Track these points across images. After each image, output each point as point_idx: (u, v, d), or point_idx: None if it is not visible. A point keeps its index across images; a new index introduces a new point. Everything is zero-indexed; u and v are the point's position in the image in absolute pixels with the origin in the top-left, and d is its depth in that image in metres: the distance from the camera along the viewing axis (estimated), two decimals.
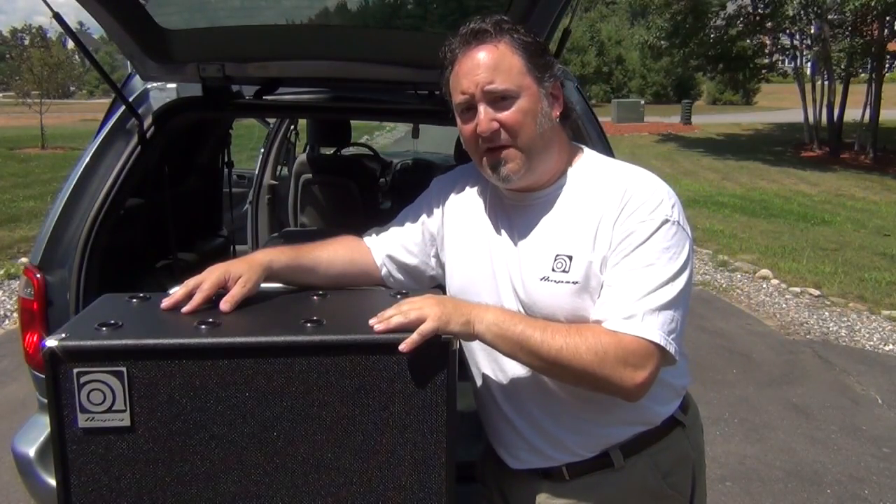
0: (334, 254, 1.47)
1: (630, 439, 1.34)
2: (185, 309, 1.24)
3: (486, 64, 1.23)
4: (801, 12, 15.89)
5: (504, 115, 1.24)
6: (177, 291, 1.26)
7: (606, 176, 1.32)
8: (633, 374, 1.16)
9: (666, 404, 1.38)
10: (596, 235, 1.25)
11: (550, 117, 1.28)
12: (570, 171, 1.34)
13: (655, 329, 1.17)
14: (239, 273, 1.29)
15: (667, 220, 1.23)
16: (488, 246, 1.38)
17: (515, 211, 1.36)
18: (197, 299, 1.25)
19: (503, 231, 1.37)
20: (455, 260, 1.45)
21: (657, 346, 1.17)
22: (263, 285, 1.38)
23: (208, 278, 1.28)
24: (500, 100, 1.24)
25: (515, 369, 1.32)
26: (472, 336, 1.20)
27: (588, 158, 1.37)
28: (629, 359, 1.16)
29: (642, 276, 1.20)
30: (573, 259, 1.25)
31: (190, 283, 1.27)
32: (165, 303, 1.25)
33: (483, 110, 1.25)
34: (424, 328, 1.13)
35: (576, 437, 1.33)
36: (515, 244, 1.34)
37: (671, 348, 1.18)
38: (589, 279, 1.24)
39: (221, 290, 1.28)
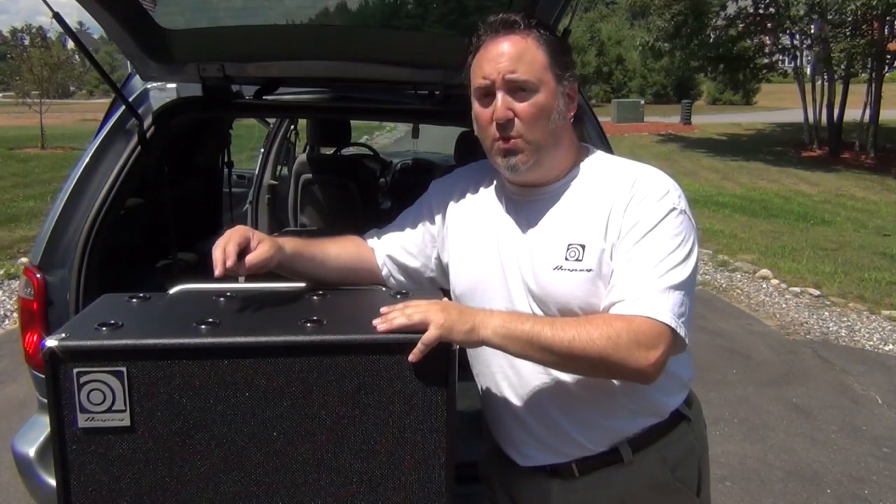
0: (342, 249, 1.50)
1: (638, 433, 1.34)
2: (228, 264, 1.27)
3: (511, 53, 1.25)
4: (808, 13, 15.86)
5: (520, 107, 1.26)
6: (215, 255, 1.28)
7: (615, 169, 1.34)
8: (646, 354, 1.17)
9: (673, 396, 1.39)
10: (608, 223, 1.26)
11: (564, 116, 1.30)
12: (578, 167, 1.36)
13: (666, 310, 1.18)
14: (260, 238, 1.34)
15: (674, 209, 1.25)
16: (496, 242, 1.38)
17: (523, 206, 1.37)
18: (231, 252, 1.28)
19: (511, 226, 1.37)
20: (461, 260, 1.45)
21: (668, 326, 1.18)
22: (263, 285, 1.38)
23: (234, 233, 1.32)
24: (518, 90, 1.26)
25: (527, 367, 1.32)
26: (477, 343, 1.20)
27: (596, 156, 1.39)
28: (641, 339, 1.16)
29: (651, 260, 1.21)
30: (586, 248, 1.27)
31: (220, 242, 1.30)
32: (217, 272, 1.28)
33: (501, 97, 1.26)
34: (428, 337, 1.14)
35: (588, 432, 1.33)
36: (525, 237, 1.35)
37: (681, 331, 1.19)
38: (602, 267, 1.26)
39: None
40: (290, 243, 1.41)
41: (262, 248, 1.33)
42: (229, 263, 1.27)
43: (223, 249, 1.28)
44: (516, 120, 1.26)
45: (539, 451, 1.37)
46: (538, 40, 1.27)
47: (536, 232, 1.34)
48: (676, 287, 1.20)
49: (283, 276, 1.44)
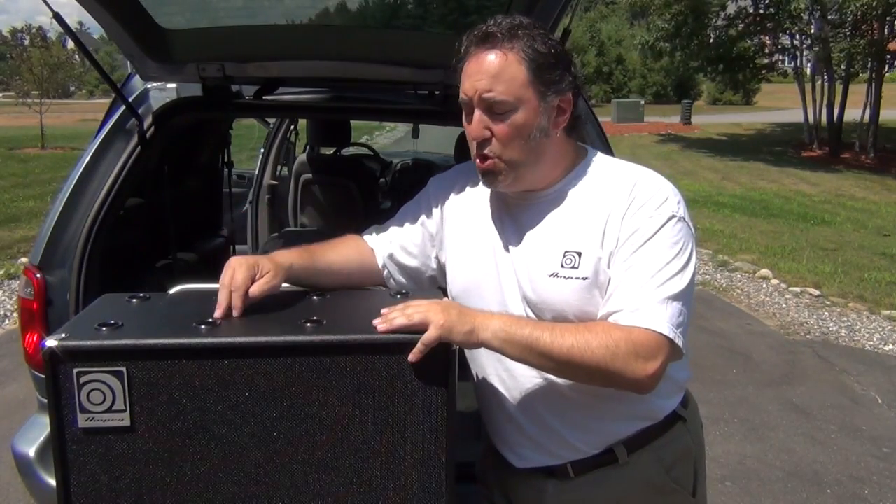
0: (346, 258, 1.49)
1: (634, 435, 1.34)
2: (234, 315, 1.24)
3: (489, 70, 1.23)
4: (808, 10, 15.86)
5: (496, 127, 1.25)
6: (220, 300, 1.24)
7: (613, 173, 1.33)
8: (644, 365, 1.17)
9: (669, 398, 1.38)
10: (605, 231, 1.26)
11: (548, 132, 1.27)
12: (576, 170, 1.34)
13: (664, 321, 1.18)
14: (267, 269, 1.31)
15: (673, 216, 1.24)
16: (491, 245, 1.38)
17: (520, 209, 1.36)
18: (237, 303, 1.24)
19: (507, 229, 1.37)
20: (457, 261, 1.44)
21: (666, 338, 1.18)
22: None
23: (238, 274, 1.27)
24: (496, 109, 1.24)
25: (521, 369, 1.32)
26: (476, 345, 1.20)
27: (594, 158, 1.38)
28: (640, 351, 1.16)
29: (650, 270, 1.21)
30: (582, 255, 1.26)
31: (226, 282, 1.26)
32: (217, 314, 1.23)
33: (477, 116, 1.26)
34: (428, 337, 1.14)
35: (581, 435, 1.33)
36: (521, 242, 1.34)
37: (679, 341, 1.19)
38: (598, 275, 1.25)
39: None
40: (299, 260, 1.39)
41: (265, 279, 1.29)
42: (235, 314, 1.24)
43: (229, 293, 1.25)
44: (493, 139, 1.25)
45: (534, 453, 1.37)
46: (520, 55, 1.22)
47: (533, 237, 1.33)
48: (675, 297, 1.20)
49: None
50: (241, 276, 1.27)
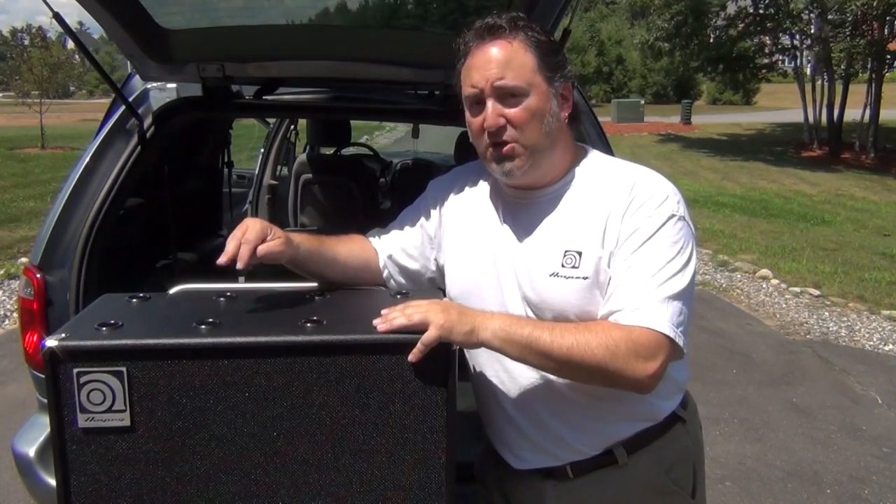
0: (350, 252, 1.50)
1: (633, 436, 1.34)
2: (238, 266, 1.26)
3: (498, 59, 1.24)
4: (808, 10, 15.89)
5: (511, 112, 1.25)
6: (228, 245, 1.27)
7: (613, 173, 1.33)
8: (644, 365, 1.17)
9: (668, 399, 1.38)
10: (605, 231, 1.26)
11: (558, 118, 1.29)
12: (576, 170, 1.35)
13: (665, 321, 1.18)
14: (279, 235, 1.34)
15: (673, 216, 1.24)
16: (491, 246, 1.38)
17: (520, 209, 1.36)
18: (244, 255, 1.26)
19: (507, 230, 1.37)
20: (456, 262, 1.45)
21: (667, 337, 1.18)
22: (263, 285, 1.38)
23: (251, 229, 1.30)
24: (508, 96, 1.25)
25: (520, 369, 1.32)
26: (476, 345, 1.20)
27: (593, 157, 1.38)
28: (640, 351, 1.16)
29: (650, 269, 1.21)
30: (583, 255, 1.26)
31: (237, 235, 1.29)
32: (222, 259, 1.27)
33: (491, 105, 1.26)
34: (428, 337, 1.14)
35: (581, 436, 1.33)
36: (521, 242, 1.34)
37: (680, 340, 1.19)
38: (598, 274, 1.25)
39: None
40: (305, 243, 1.41)
41: (276, 241, 1.32)
42: (240, 265, 1.26)
43: (238, 244, 1.28)
44: (508, 126, 1.26)
45: (532, 454, 1.37)
46: (525, 43, 1.25)
47: (533, 237, 1.33)
48: (675, 296, 1.20)
49: (291, 272, 1.44)
50: (254, 233, 1.30)
